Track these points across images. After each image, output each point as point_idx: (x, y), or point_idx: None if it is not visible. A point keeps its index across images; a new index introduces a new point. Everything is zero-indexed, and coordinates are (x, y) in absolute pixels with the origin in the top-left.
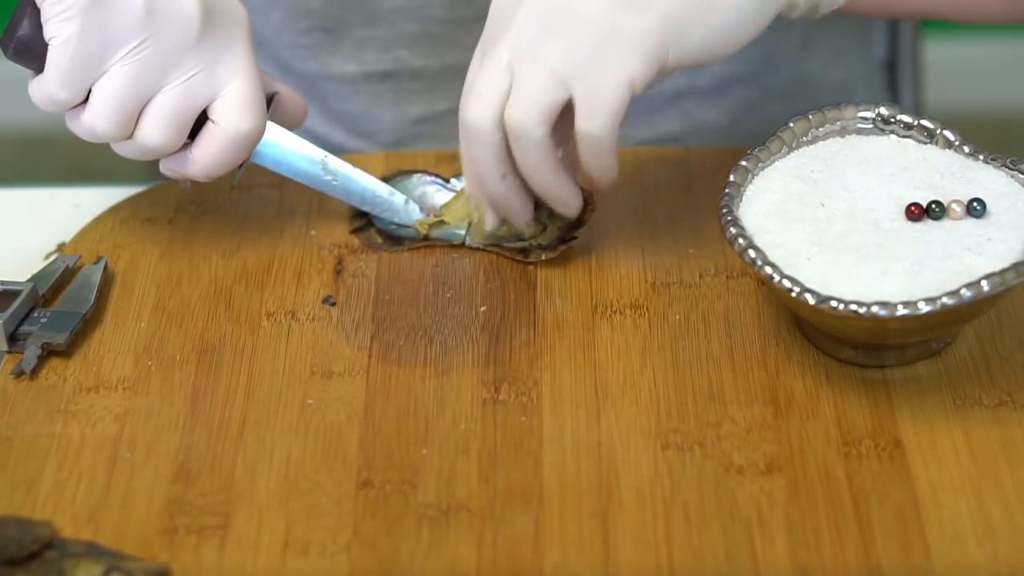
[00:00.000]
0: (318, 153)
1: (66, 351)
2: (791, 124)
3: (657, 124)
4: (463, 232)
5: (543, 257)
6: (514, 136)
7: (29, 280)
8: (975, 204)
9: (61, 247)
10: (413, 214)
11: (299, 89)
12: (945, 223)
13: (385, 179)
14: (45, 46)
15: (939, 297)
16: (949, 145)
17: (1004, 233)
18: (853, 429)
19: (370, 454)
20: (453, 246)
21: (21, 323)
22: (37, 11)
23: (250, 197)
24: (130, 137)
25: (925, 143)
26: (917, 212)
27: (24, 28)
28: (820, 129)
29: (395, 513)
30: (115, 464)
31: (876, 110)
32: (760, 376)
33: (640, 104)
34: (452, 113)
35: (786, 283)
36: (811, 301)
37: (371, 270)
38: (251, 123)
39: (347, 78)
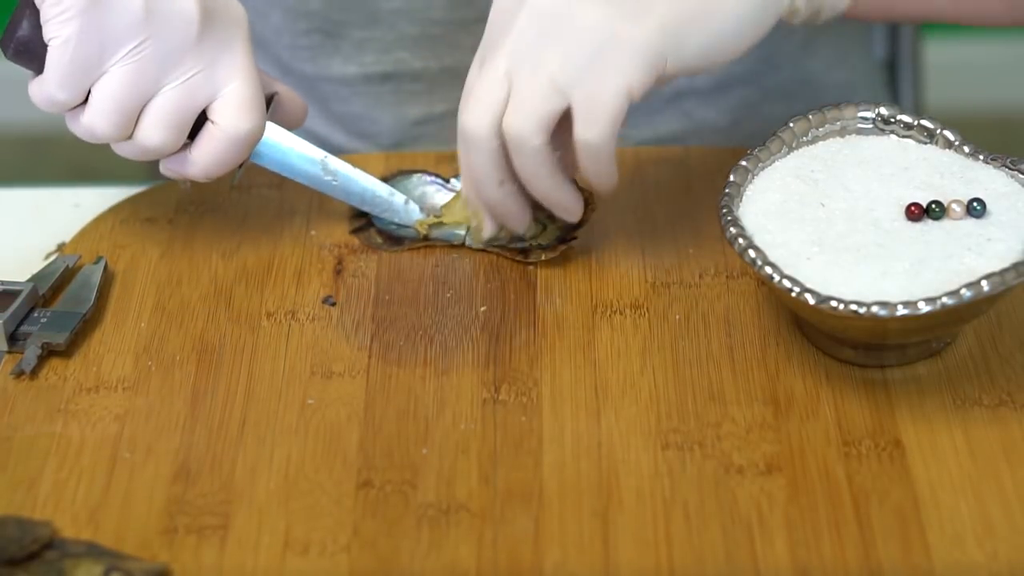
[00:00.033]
0: (318, 153)
1: (66, 351)
2: (791, 124)
3: (657, 124)
4: (463, 232)
5: (543, 257)
6: (512, 144)
7: (29, 280)
8: (975, 204)
9: (61, 247)
10: (413, 214)
11: (299, 90)
12: (945, 223)
13: (385, 179)
14: (45, 47)
15: (939, 297)
16: (949, 145)
17: (1004, 233)
18: (853, 429)
19: (370, 454)
20: (453, 246)
21: (21, 323)
22: (37, 12)
23: (250, 197)
24: (130, 137)
25: (925, 143)
26: (917, 212)
27: (24, 29)
28: (820, 129)
29: (395, 513)
30: (115, 464)
31: (876, 110)
32: (760, 376)
33: (640, 104)
34: (452, 115)
35: (786, 283)
36: (811, 301)
37: (371, 270)
38: (251, 123)
39: (347, 80)
